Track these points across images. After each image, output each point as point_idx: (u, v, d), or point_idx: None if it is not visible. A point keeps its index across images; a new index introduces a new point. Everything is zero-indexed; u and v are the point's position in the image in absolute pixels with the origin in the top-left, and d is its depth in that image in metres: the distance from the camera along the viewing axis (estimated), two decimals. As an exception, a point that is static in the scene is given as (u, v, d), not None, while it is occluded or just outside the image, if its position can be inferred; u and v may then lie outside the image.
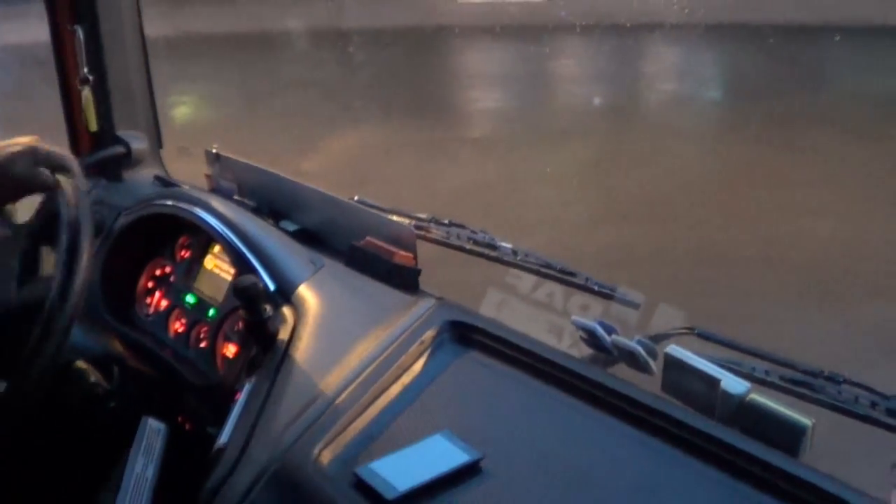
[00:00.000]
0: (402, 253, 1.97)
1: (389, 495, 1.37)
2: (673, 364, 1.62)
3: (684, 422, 1.50)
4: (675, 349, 1.64)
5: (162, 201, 2.26)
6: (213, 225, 2.06)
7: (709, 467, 1.44)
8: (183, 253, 2.29)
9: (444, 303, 1.87)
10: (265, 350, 1.75)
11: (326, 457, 1.49)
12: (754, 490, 1.39)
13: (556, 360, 1.66)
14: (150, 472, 1.81)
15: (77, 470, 1.99)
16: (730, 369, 1.60)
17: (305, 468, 1.47)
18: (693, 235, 6.07)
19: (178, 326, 2.20)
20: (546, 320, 2.11)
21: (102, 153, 2.58)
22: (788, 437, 1.45)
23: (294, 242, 2.10)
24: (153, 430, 1.87)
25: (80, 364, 1.87)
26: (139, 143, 2.62)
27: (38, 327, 1.62)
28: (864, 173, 7.18)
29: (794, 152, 7.72)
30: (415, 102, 10.03)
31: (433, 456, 1.45)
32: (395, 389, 1.64)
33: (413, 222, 2.23)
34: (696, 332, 1.84)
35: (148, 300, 2.30)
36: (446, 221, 2.29)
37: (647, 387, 1.61)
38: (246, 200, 2.40)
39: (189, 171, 2.74)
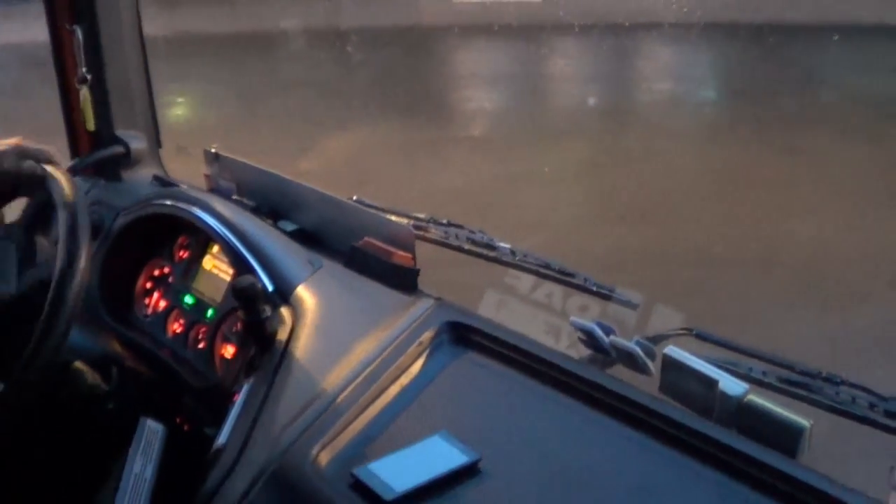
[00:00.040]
0: (401, 253, 1.96)
1: (387, 496, 1.37)
2: (671, 365, 1.62)
3: (682, 423, 1.50)
4: (673, 350, 1.64)
5: (161, 201, 2.26)
6: (212, 225, 2.06)
7: (707, 468, 1.44)
8: (181, 253, 2.29)
9: (443, 303, 1.87)
10: (263, 351, 1.75)
11: (325, 458, 1.49)
12: (752, 491, 1.39)
13: (555, 361, 1.66)
14: (149, 473, 1.80)
15: (76, 470, 1.99)
16: (728, 370, 1.60)
17: (303, 469, 1.47)
18: (687, 236, 6.07)
19: (176, 327, 2.20)
20: (544, 321, 2.11)
21: (101, 153, 2.58)
22: (786, 438, 1.45)
23: (292, 243, 2.09)
24: (152, 431, 1.87)
25: (79, 365, 1.87)
26: (138, 143, 2.62)
27: (37, 328, 1.63)
28: (858, 174, 7.19)
29: (788, 153, 7.71)
30: (411, 102, 10.02)
31: (431, 457, 1.45)
32: (394, 390, 1.65)
33: (411, 222, 2.23)
34: (694, 332, 1.84)
35: (146, 301, 2.30)
36: (445, 221, 2.28)
37: (645, 388, 1.61)
38: (245, 200, 2.39)
39: (188, 171, 2.74)
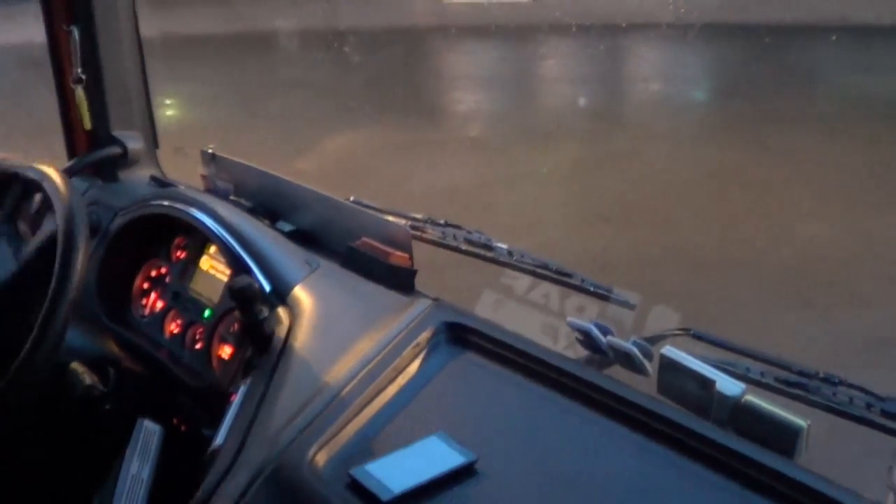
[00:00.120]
0: (398, 253, 1.96)
1: (385, 497, 1.37)
2: (668, 365, 1.62)
3: (679, 423, 1.50)
4: (670, 350, 1.64)
5: (158, 202, 2.26)
6: (209, 225, 2.06)
7: (704, 469, 1.44)
8: (178, 253, 2.29)
9: (440, 304, 1.87)
10: (261, 351, 1.75)
11: (322, 458, 1.49)
12: (749, 492, 1.39)
13: (552, 362, 1.66)
14: (146, 474, 1.81)
15: (73, 471, 1.99)
16: (725, 370, 1.60)
17: (301, 470, 1.47)
18: (676, 238, 6.08)
19: (173, 327, 2.20)
20: (542, 321, 2.11)
21: (98, 153, 2.58)
22: (784, 438, 1.45)
23: (290, 243, 2.09)
24: (149, 432, 1.88)
25: (76, 366, 1.87)
26: (135, 144, 2.62)
27: (34, 328, 1.63)
28: (849, 175, 7.19)
29: (779, 154, 7.71)
30: (405, 103, 10.03)
31: (428, 457, 1.45)
32: (391, 391, 1.64)
33: (409, 223, 2.22)
34: (691, 333, 1.84)
35: (143, 301, 2.30)
36: (442, 222, 2.28)
37: (642, 388, 1.61)
38: (242, 201, 2.39)
39: (185, 172, 2.74)
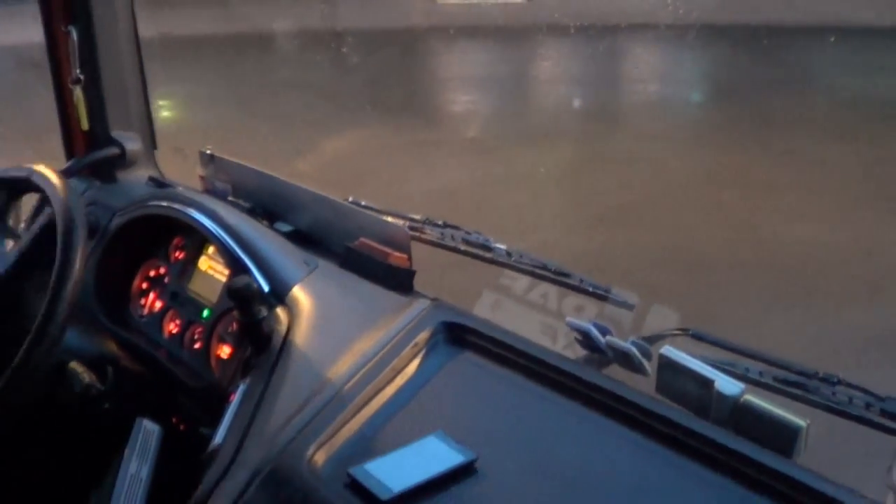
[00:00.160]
0: (397, 254, 1.96)
1: (384, 496, 1.37)
2: (667, 365, 1.62)
3: (679, 423, 1.50)
4: (669, 350, 1.64)
5: (156, 202, 2.26)
6: (208, 226, 2.06)
7: (703, 468, 1.44)
8: (177, 254, 2.29)
9: (439, 304, 1.86)
10: (259, 351, 1.75)
11: (321, 458, 1.49)
12: (749, 491, 1.39)
13: (551, 362, 1.66)
14: (145, 473, 1.81)
15: (71, 471, 1.99)
16: (724, 370, 1.60)
17: (300, 469, 1.47)
18: (671, 239, 6.07)
19: (172, 327, 2.20)
20: (540, 321, 2.11)
21: (96, 154, 2.58)
22: (783, 438, 1.45)
23: (288, 243, 2.09)
24: (147, 431, 1.87)
25: (75, 365, 1.87)
26: (133, 144, 2.62)
27: (32, 329, 1.63)
28: (846, 175, 7.20)
29: (777, 154, 7.72)
30: (403, 103, 10.05)
31: (427, 457, 1.45)
32: (390, 390, 1.64)
33: (407, 223, 2.22)
34: (690, 332, 1.84)
35: (142, 301, 2.29)
36: (440, 222, 2.28)
37: (641, 388, 1.61)
38: (240, 201, 2.39)
39: (183, 172, 2.74)
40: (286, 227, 2.25)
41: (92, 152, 2.60)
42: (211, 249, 2.17)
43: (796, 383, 1.64)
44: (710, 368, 1.58)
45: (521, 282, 2.18)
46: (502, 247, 2.17)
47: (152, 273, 2.31)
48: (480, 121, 9.69)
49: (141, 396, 2.01)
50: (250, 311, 1.73)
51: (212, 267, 2.18)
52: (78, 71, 2.51)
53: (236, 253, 1.98)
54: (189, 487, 1.57)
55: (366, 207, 2.25)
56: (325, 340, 1.77)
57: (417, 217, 2.30)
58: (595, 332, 1.82)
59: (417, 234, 2.20)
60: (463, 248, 2.21)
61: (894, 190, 6.75)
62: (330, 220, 2.20)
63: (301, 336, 1.76)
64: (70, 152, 2.66)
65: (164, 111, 8.95)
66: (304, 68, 12.16)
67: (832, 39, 11.25)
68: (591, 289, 2.03)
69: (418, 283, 1.94)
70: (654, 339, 1.82)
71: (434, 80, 12.02)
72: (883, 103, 9.22)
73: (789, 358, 1.71)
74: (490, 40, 12.94)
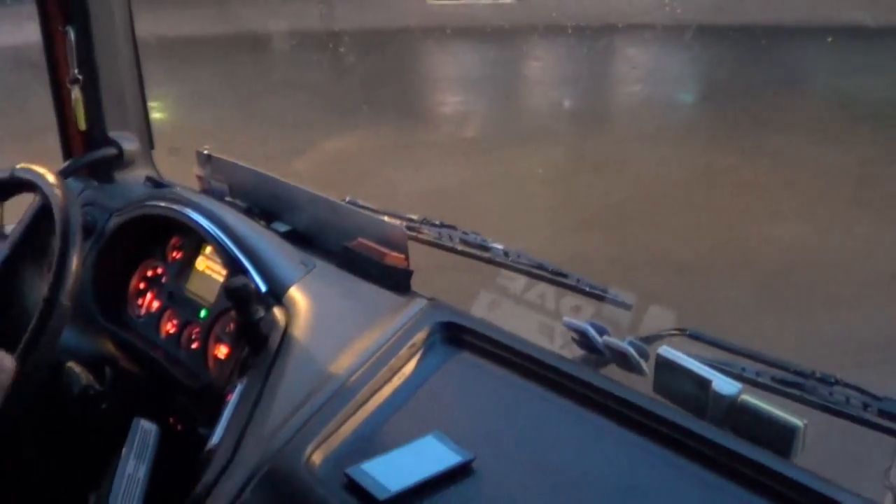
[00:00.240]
0: (394, 254, 1.96)
1: (381, 496, 1.37)
2: (664, 365, 1.62)
3: (676, 423, 1.50)
4: (666, 350, 1.64)
5: (153, 202, 2.26)
6: (205, 226, 2.06)
7: (700, 468, 1.44)
8: (174, 254, 2.29)
9: (436, 304, 1.87)
10: (256, 351, 1.75)
11: (318, 458, 1.49)
12: (746, 491, 1.39)
13: (548, 361, 1.66)
14: (142, 473, 1.80)
15: (69, 470, 1.99)
16: (721, 370, 1.60)
17: (297, 469, 1.47)
18: (657, 242, 6.06)
19: (169, 327, 2.20)
20: (538, 321, 2.11)
21: (94, 154, 2.58)
22: (780, 438, 1.45)
23: (285, 243, 2.09)
24: (145, 431, 1.87)
25: (73, 365, 1.87)
26: (131, 144, 2.61)
27: (30, 329, 1.63)
28: (833, 177, 7.21)
29: (763, 156, 7.72)
30: (399, 102, 10.06)
31: (425, 457, 1.45)
32: (387, 390, 1.64)
33: (404, 223, 2.22)
34: (687, 332, 1.84)
35: (139, 301, 2.30)
36: (438, 222, 2.28)
37: (638, 388, 1.61)
38: (237, 201, 2.39)
39: (181, 172, 2.74)
40: (283, 227, 2.25)
41: (89, 152, 2.59)
42: (208, 249, 2.18)
43: (793, 383, 1.64)
44: (707, 368, 1.58)
45: (519, 282, 2.18)
46: (499, 247, 2.17)
47: (150, 273, 2.31)
48: (470, 122, 9.65)
49: (138, 396, 2.01)
50: (248, 312, 1.73)
51: (209, 267, 2.18)
52: (76, 71, 2.51)
53: (234, 253, 1.98)
54: (186, 487, 1.57)
55: (363, 207, 2.25)
56: (323, 340, 1.77)
57: (415, 217, 2.31)
58: (592, 332, 1.82)
59: (415, 234, 2.21)
60: (460, 248, 2.21)
61: (885, 192, 6.76)
62: (327, 220, 2.20)
63: (298, 336, 1.76)
64: (67, 152, 2.66)
65: (160, 112, 8.96)
66: (300, 68, 12.15)
67: (829, 40, 11.26)
68: (588, 289, 2.03)
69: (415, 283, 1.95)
70: (652, 338, 1.83)
71: (425, 81, 12.00)
72: (882, 104, 9.21)
73: (787, 357, 1.71)
74: (480, 41, 12.93)
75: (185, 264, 2.24)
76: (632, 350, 1.76)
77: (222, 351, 2.02)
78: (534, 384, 1.65)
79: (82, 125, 2.57)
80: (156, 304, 2.26)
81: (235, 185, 2.45)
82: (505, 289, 2.22)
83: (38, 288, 1.80)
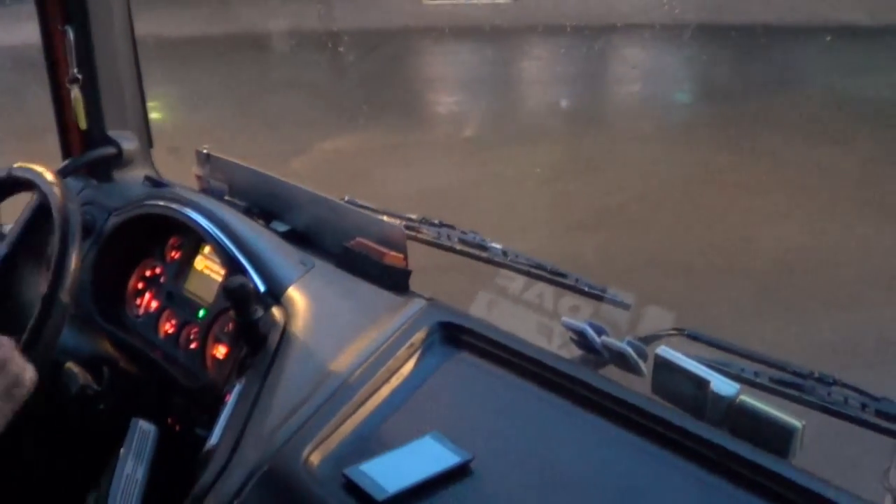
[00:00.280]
0: (393, 254, 1.96)
1: (379, 496, 1.37)
2: (663, 365, 1.62)
3: (674, 423, 1.50)
4: (664, 350, 1.64)
5: (152, 202, 2.26)
6: (204, 225, 2.06)
7: (698, 469, 1.44)
8: (173, 254, 2.29)
9: (435, 304, 1.87)
10: (255, 351, 1.75)
11: (316, 458, 1.49)
12: (744, 492, 1.39)
13: (546, 362, 1.66)
14: (140, 474, 1.81)
15: (67, 471, 1.99)
16: (719, 370, 1.60)
17: (295, 469, 1.47)
18: (650, 243, 6.06)
19: (168, 327, 2.20)
20: (536, 321, 2.11)
21: (93, 153, 2.58)
22: (778, 438, 1.45)
23: (284, 243, 2.09)
24: (143, 432, 1.87)
25: (71, 365, 1.87)
26: (129, 144, 2.61)
27: (29, 328, 1.63)
28: (828, 177, 7.21)
29: (759, 156, 7.73)
30: (395, 102, 10.07)
31: (423, 457, 1.45)
32: (386, 391, 1.64)
33: (403, 223, 2.22)
34: (685, 333, 1.84)
35: (138, 301, 2.29)
36: (436, 222, 2.28)
37: (636, 388, 1.61)
38: (236, 201, 2.39)
39: (180, 172, 2.74)
40: (282, 227, 2.25)
41: (88, 152, 2.59)
42: (207, 249, 2.17)
43: (792, 384, 1.64)
44: (705, 369, 1.58)
45: (517, 281, 2.18)
46: (498, 246, 2.17)
47: (148, 273, 2.31)
48: (467, 122, 9.64)
49: (136, 397, 2.01)
50: (246, 311, 1.73)
51: (208, 267, 2.18)
52: (75, 70, 2.51)
53: (232, 253, 1.98)
54: (185, 488, 1.57)
55: (362, 207, 2.25)
56: (321, 340, 1.77)
57: (414, 217, 2.30)
58: (591, 332, 1.81)
59: (413, 233, 2.20)
60: (459, 247, 2.21)
61: (883, 192, 6.76)
62: (326, 219, 2.20)
63: (297, 336, 1.76)
64: (66, 151, 2.66)
65: (159, 112, 8.96)
66: (298, 67, 12.16)
67: (828, 39, 11.26)
68: (586, 289, 2.03)
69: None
70: (650, 339, 1.82)
71: (422, 81, 12.00)
72: (880, 104, 9.22)
73: (785, 358, 1.71)
74: (477, 41, 12.95)
75: (184, 264, 2.24)
76: (630, 350, 1.75)
77: (221, 351, 2.02)
78: (532, 384, 1.65)
79: (83, 124, 2.56)
80: (154, 304, 2.26)
81: (234, 184, 2.45)
82: (503, 289, 2.22)
83: (36, 287, 1.80)
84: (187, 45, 12.91)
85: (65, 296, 1.65)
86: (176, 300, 2.20)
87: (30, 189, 1.88)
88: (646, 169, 7.56)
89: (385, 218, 2.13)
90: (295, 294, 1.88)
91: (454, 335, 1.78)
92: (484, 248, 2.18)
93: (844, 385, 1.61)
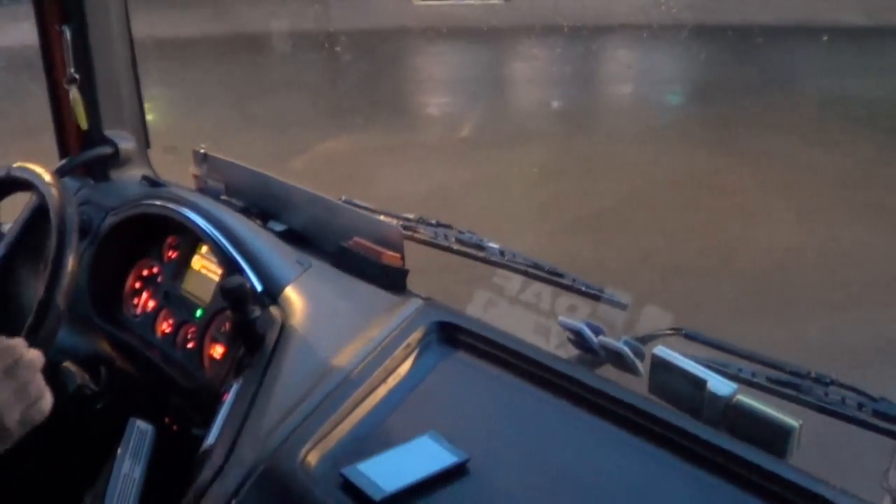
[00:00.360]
0: (390, 253, 1.96)
1: (376, 496, 1.37)
2: (660, 365, 1.62)
3: (671, 423, 1.50)
4: (662, 350, 1.64)
5: (149, 201, 2.25)
6: (201, 225, 2.06)
7: (695, 468, 1.44)
8: (170, 253, 2.28)
9: (432, 303, 1.87)
10: (252, 351, 1.75)
11: (314, 458, 1.49)
12: (741, 491, 1.39)
13: (544, 361, 1.66)
14: (138, 473, 1.80)
15: (65, 470, 1.99)
16: (717, 370, 1.60)
17: (293, 469, 1.47)
18: (642, 245, 6.06)
19: (165, 327, 2.20)
20: (533, 321, 2.11)
21: (90, 153, 2.58)
22: (775, 438, 1.45)
23: (281, 243, 2.09)
24: (140, 431, 1.87)
25: (68, 365, 1.87)
26: (127, 143, 2.61)
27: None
28: (820, 178, 7.21)
29: (762, 156, 7.73)
30: (392, 101, 10.07)
31: (420, 457, 1.45)
32: (383, 390, 1.65)
33: (400, 222, 2.22)
34: (683, 332, 1.84)
35: (135, 301, 2.29)
36: (434, 222, 2.28)
37: (634, 388, 1.61)
38: (233, 200, 2.39)
39: (177, 171, 2.74)
40: (280, 227, 2.25)
41: (85, 151, 2.59)
42: (204, 249, 2.17)
43: (789, 383, 1.64)
44: (702, 368, 1.58)
45: (514, 281, 2.17)
46: (495, 246, 2.17)
47: (145, 272, 2.31)
48: (460, 123, 9.64)
49: (134, 396, 2.01)
50: (243, 311, 1.73)
51: (205, 266, 2.17)
52: (72, 70, 2.51)
53: (230, 252, 1.97)
54: (182, 487, 1.57)
55: (359, 207, 2.25)
56: (319, 340, 1.77)
57: (411, 216, 2.30)
58: (587, 332, 1.82)
59: (410, 233, 2.20)
60: (456, 247, 2.21)
61: (875, 193, 6.76)
62: (323, 219, 2.20)
63: (294, 336, 1.76)
64: (63, 151, 2.66)
65: (156, 112, 8.95)
66: (295, 67, 12.17)
67: (825, 39, 11.27)
68: (583, 288, 2.03)
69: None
70: (647, 338, 1.83)
71: (415, 81, 12.01)
72: (876, 102, 9.23)
73: (783, 358, 1.71)
74: (469, 42, 12.96)
75: (181, 264, 2.24)
76: (627, 350, 1.76)
77: (218, 351, 2.02)
78: (529, 384, 1.65)
79: (83, 124, 2.56)
80: (151, 304, 2.25)
81: (232, 184, 2.45)
82: (500, 288, 2.21)
83: (34, 287, 1.80)
84: (185, 45, 12.91)
85: (61, 298, 1.64)
86: (173, 300, 2.20)
87: (28, 189, 1.88)
88: (641, 170, 7.56)
89: (382, 217, 2.13)
90: (292, 294, 1.88)
91: (451, 335, 1.78)
92: (481, 247, 2.18)
93: (842, 385, 1.62)
